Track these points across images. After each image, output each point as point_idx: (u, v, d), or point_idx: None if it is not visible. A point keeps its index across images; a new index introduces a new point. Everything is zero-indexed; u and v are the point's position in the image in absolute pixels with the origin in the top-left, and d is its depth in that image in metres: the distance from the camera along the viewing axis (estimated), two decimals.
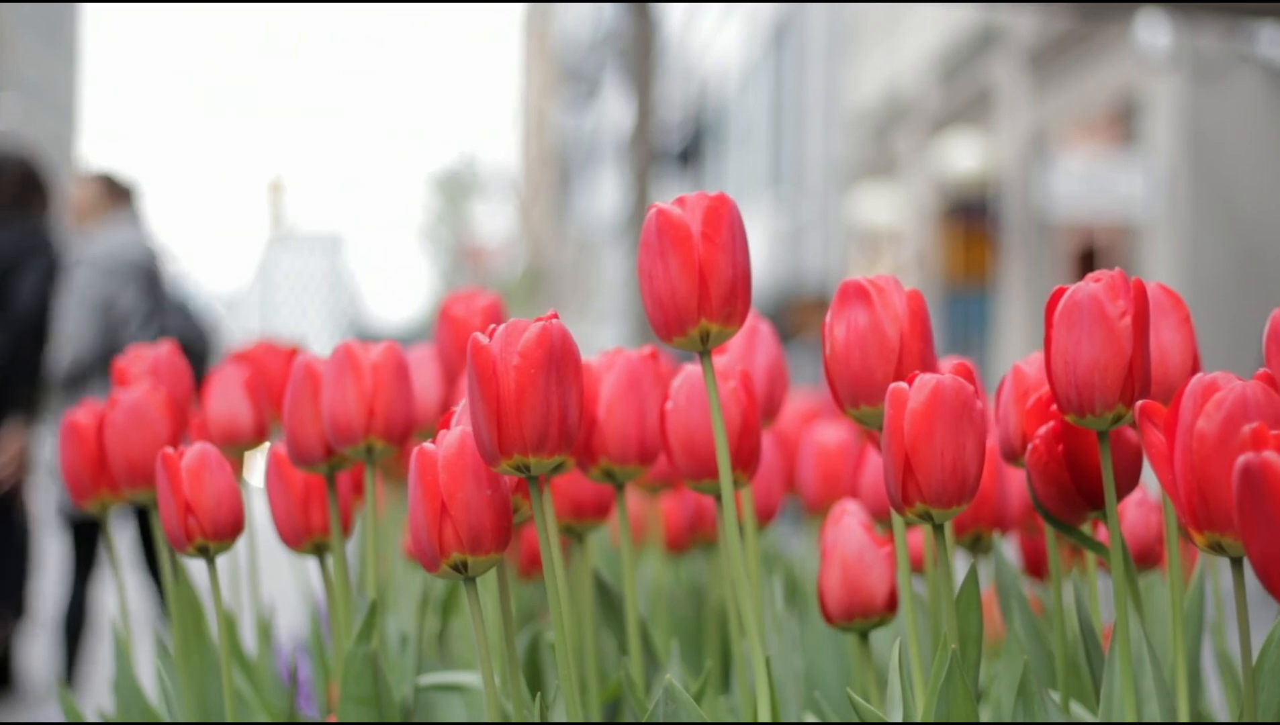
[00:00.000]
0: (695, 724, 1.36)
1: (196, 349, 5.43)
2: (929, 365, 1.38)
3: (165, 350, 1.96)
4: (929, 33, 17.28)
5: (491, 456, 1.28)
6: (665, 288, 1.33)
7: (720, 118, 28.20)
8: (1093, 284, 1.28)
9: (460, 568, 1.31)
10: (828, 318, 1.40)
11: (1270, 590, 0.98)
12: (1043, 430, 1.41)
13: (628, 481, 1.59)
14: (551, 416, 1.27)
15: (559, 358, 1.28)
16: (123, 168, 5.78)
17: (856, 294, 1.38)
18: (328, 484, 1.65)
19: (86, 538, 5.22)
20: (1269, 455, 0.96)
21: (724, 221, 1.34)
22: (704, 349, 1.36)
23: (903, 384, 1.27)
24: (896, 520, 1.37)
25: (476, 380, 1.27)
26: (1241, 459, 0.97)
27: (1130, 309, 1.28)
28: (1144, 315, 1.28)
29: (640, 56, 10.87)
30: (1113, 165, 12.41)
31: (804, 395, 2.50)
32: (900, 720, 1.35)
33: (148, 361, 1.94)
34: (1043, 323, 1.31)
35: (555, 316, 1.30)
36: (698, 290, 1.33)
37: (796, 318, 18.00)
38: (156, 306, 5.24)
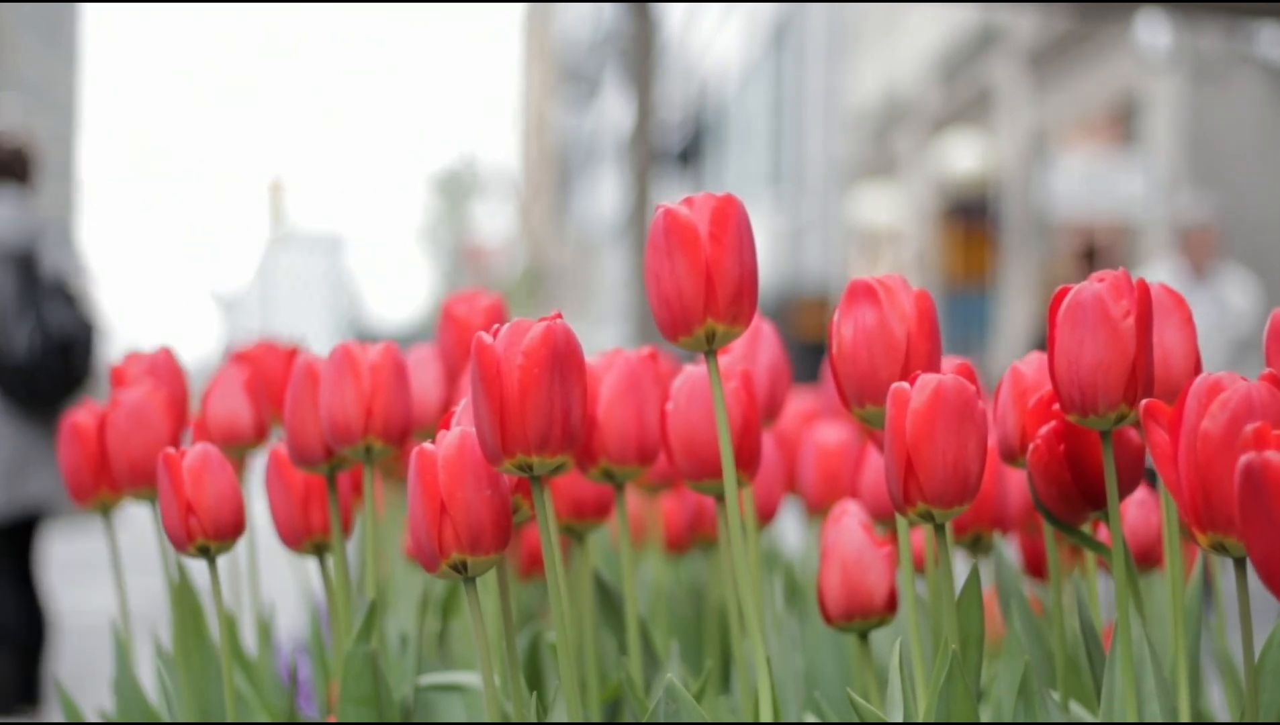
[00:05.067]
0: (695, 724, 1.36)
1: (77, 341, 4.93)
2: (935, 365, 1.38)
3: (162, 352, 1.96)
4: (929, 33, 17.28)
5: (494, 456, 1.28)
6: (672, 288, 1.33)
7: (720, 118, 28.21)
8: (1096, 284, 1.28)
9: (460, 568, 1.31)
10: (835, 317, 1.40)
11: (1272, 590, 0.97)
12: (1044, 430, 1.41)
13: (627, 481, 1.59)
14: (554, 416, 1.27)
15: (563, 357, 1.28)
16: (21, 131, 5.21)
17: (864, 293, 1.38)
18: (328, 484, 1.65)
19: (21, 541, 4.98)
20: (1271, 455, 0.96)
21: (731, 222, 1.34)
22: (710, 349, 1.36)
23: (904, 384, 1.27)
24: (899, 520, 1.37)
25: (480, 379, 1.27)
26: (1243, 459, 0.97)
27: (1133, 309, 1.27)
28: (1147, 315, 1.28)
29: (640, 56, 10.87)
30: (1113, 165, 12.41)
31: (804, 395, 2.50)
32: (900, 720, 1.35)
33: (146, 362, 1.94)
34: (1043, 323, 1.31)
35: (559, 316, 1.30)
36: (704, 290, 1.32)
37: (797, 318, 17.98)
38: (31, 295, 4.85)
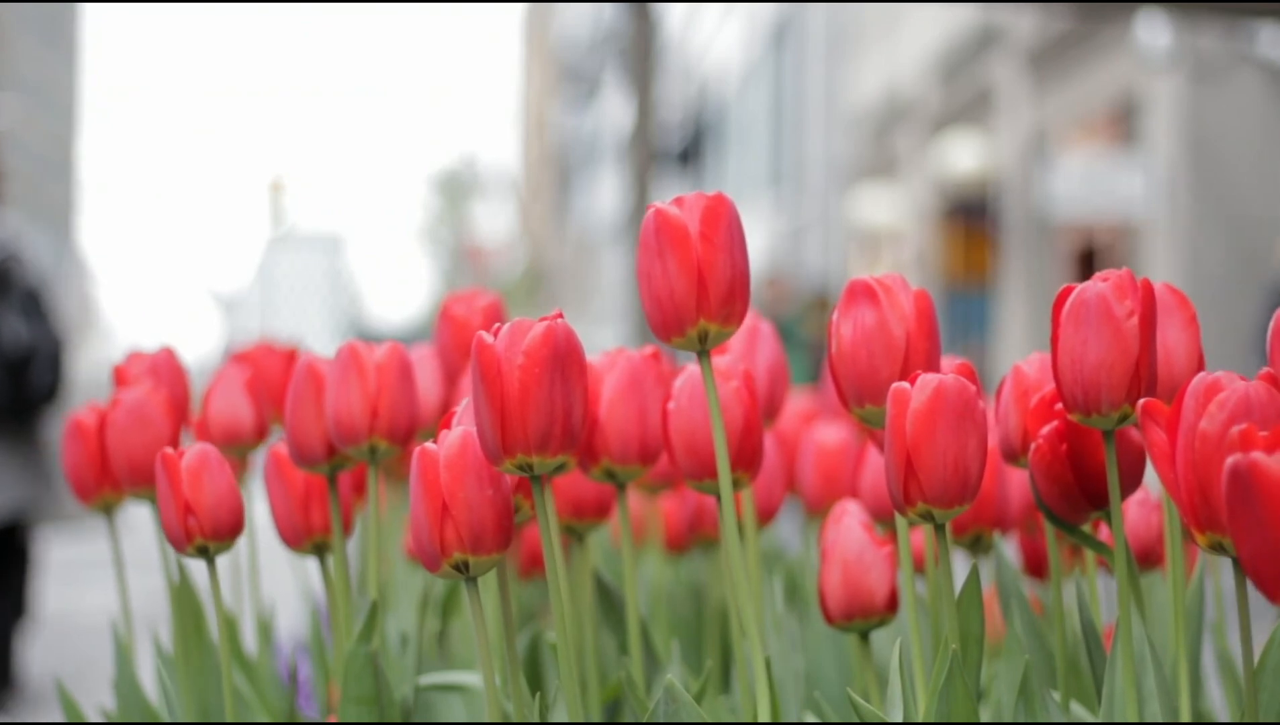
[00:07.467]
0: (696, 724, 1.36)
1: (36, 355, 4.92)
2: (935, 365, 1.38)
3: (164, 352, 1.96)
4: (929, 33, 17.28)
5: (495, 456, 1.28)
6: (663, 288, 1.33)
7: (720, 118, 28.21)
8: (1100, 283, 1.28)
9: (461, 567, 1.31)
10: (834, 316, 1.39)
11: (1262, 591, 0.97)
12: (1046, 429, 1.41)
13: (629, 481, 1.59)
14: (555, 416, 1.27)
15: (563, 357, 1.28)
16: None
17: (864, 293, 1.38)
18: (329, 484, 1.65)
19: (10, 541, 5.09)
20: (1257, 456, 0.95)
21: (722, 221, 1.33)
22: (702, 349, 1.36)
23: (904, 384, 1.27)
24: (899, 520, 1.37)
25: (480, 379, 1.27)
26: (1230, 460, 0.96)
27: (1137, 309, 1.27)
28: (1151, 315, 1.28)
29: (640, 56, 10.87)
30: (1113, 165, 12.41)
31: (804, 395, 2.50)
32: (900, 720, 1.35)
33: (148, 362, 1.94)
34: (1043, 322, 1.31)
35: (560, 316, 1.30)
36: (696, 290, 1.32)
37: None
38: None
